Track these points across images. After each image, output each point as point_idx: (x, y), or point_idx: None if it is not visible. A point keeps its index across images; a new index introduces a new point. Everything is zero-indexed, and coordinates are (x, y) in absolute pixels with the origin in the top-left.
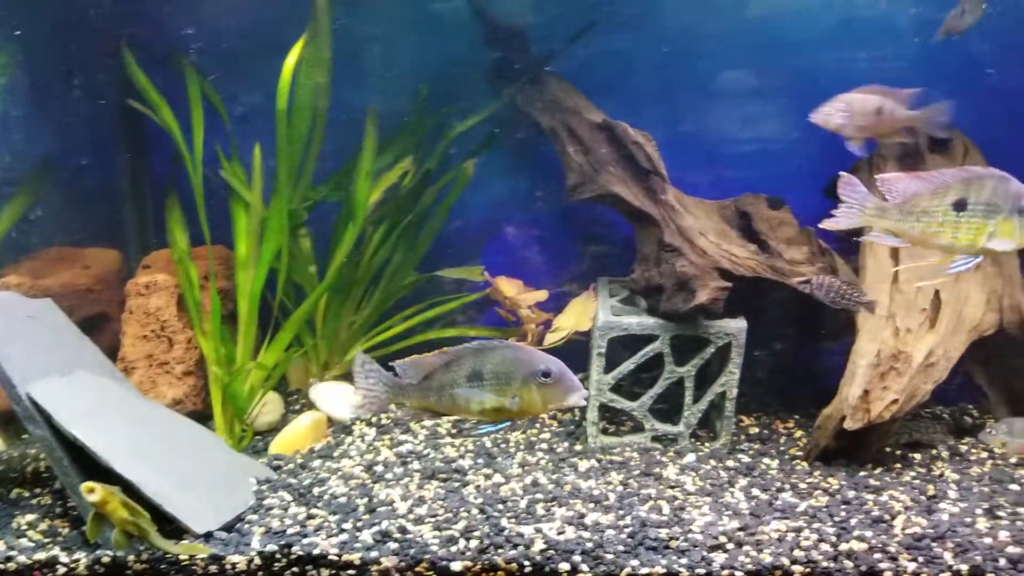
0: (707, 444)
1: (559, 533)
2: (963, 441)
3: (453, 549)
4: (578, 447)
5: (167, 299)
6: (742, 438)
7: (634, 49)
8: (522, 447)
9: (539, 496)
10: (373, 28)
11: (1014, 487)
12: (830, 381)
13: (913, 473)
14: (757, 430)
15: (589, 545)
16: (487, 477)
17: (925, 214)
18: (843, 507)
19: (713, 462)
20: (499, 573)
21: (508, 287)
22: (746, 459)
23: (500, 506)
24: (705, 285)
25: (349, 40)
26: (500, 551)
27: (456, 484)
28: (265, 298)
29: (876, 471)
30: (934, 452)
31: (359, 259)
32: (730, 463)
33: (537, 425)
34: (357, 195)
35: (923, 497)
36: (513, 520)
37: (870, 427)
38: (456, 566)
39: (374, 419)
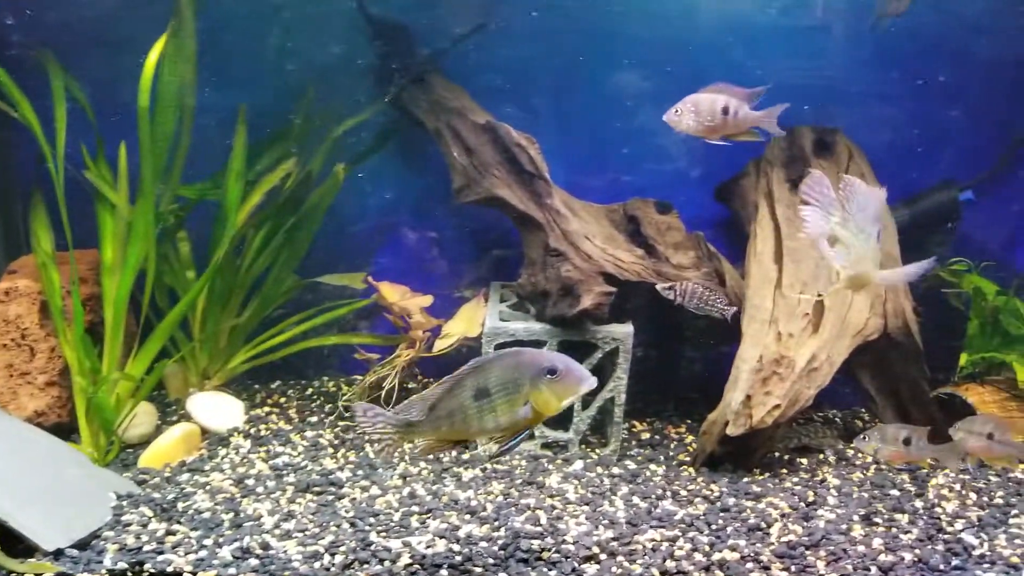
0: (597, 451)
1: (428, 547)
2: (851, 445)
3: (316, 565)
4: (465, 456)
5: (28, 306)
6: (633, 444)
7: (527, 51)
8: (407, 458)
9: (414, 508)
10: (253, 23)
11: (894, 492)
12: (723, 385)
13: (796, 479)
14: (649, 435)
15: (458, 559)
16: (364, 490)
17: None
18: (721, 515)
19: (599, 469)
20: None
21: (391, 293)
22: (633, 466)
23: (372, 519)
24: (590, 290)
25: (227, 36)
26: (365, 566)
27: (330, 497)
28: (142, 305)
29: (761, 477)
30: (821, 457)
31: (239, 264)
32: (616, 471)
33: None
34: (228, 197)
35: (802, 504)
36: (383, 534)
37: (753, 432)
38: None
39: (252, 430)
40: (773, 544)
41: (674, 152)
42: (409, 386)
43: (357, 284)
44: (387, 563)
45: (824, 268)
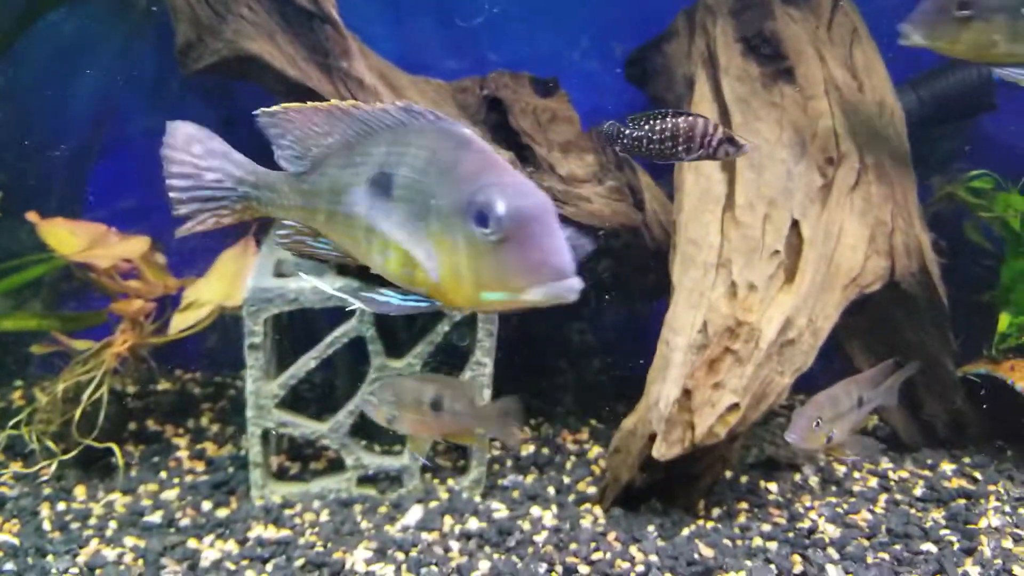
0: (451, 482)
1: None
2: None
3: None
4: (223, 512)
5: None
6: (507, 466)
7: None
8: (114, 521)
9: None
10: None
11: (928, 548)
12: (646, 366)
13: (768, 527)
14: (533, 449)
15: None
16: None
17: None
18: None
19: (448, 523)
20: None
21: (65, 237)
22: (503, 512)
23: None
24: None
25: None
26: None
27: None
28: None
29: (709, 524)
30: (797, 477)
31: None
32: (474, 524)
33: (167, 467)
34: None
35: None
36: None
37: (697, 452)
38: None
39: None
40: None
41: (562, 10)
42: (160, 388)
43: None
44: None
45: (805, 175)
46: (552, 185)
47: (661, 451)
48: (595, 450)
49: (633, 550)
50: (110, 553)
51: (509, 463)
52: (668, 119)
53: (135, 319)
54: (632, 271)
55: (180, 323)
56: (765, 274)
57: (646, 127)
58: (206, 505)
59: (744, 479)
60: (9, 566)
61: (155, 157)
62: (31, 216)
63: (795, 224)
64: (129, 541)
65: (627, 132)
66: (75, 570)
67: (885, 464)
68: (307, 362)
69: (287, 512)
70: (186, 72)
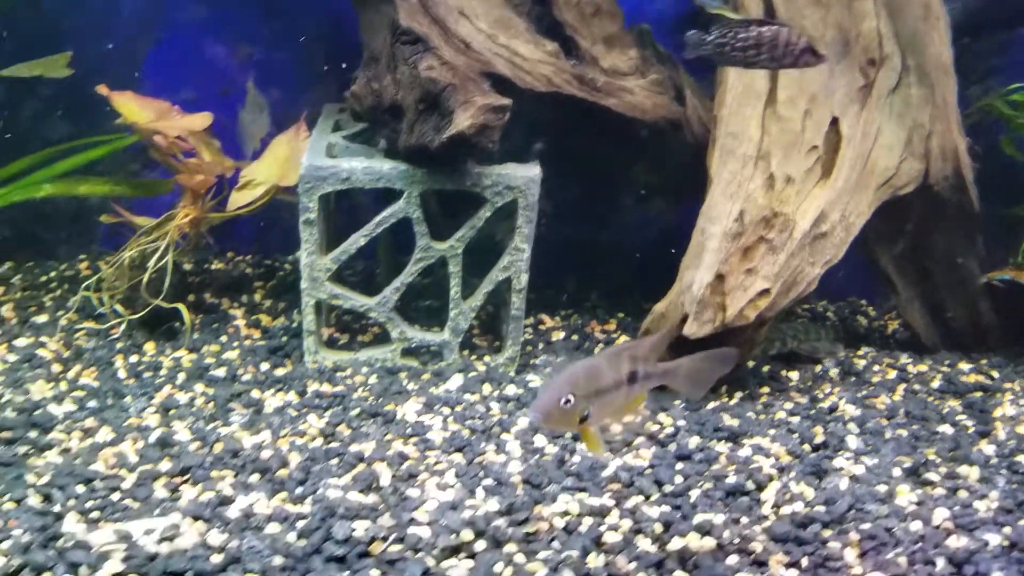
0: (487, 359)
1: (164, 539)
2: (859, 353)
3: None
4: (280, 371)
5: None
6: (540, 348)
7: None
8: (182, 373)
9: (163, 467)
10: None
11: (944, 429)
12: (678, 260)
13: (791, 405)
14: (563, 336)
15: (215, 560)
16: (87, 434)
17: None
18: (680, 466)
19: (486, 389)
20: None
21: (134, 107)
22: (537, 382)
23: (80, 488)
24: (468, 101)
25: None
26: None
27: (22, 450)
28: None
29: (733, 401)
30: (818, 369)
31: None
32: (511, 390)
33: (226, 333)
34: None
35: (807, 447)
36: (91, 514)
37: (727, 333)
38: None
39: None
40: (768, 519)
41: None
42: (214, 267)
43: (57, 72)
44: (83, 571)
45: (846, 74)
46: (595, 76)
47: (692, 330)
48: (623, 338)
49: (662, 417)
50: (182, 397)
51: (541, 347)
52: (752, 28)
53: (196, 192)
54: (671, 166)
55: (238, 200)
56: (803, 168)
57: (729, 35)
58: (264, 365)
59: (766, 368)
60: (92, 403)
61: (208, 44)
62: (102, 89)
63: (834, 122)
64: (199, 388)
65: (710, 39)
66: (151, 409)
67: (904, 359)
68: (357, 239)
69: (339, 374)
70: None
